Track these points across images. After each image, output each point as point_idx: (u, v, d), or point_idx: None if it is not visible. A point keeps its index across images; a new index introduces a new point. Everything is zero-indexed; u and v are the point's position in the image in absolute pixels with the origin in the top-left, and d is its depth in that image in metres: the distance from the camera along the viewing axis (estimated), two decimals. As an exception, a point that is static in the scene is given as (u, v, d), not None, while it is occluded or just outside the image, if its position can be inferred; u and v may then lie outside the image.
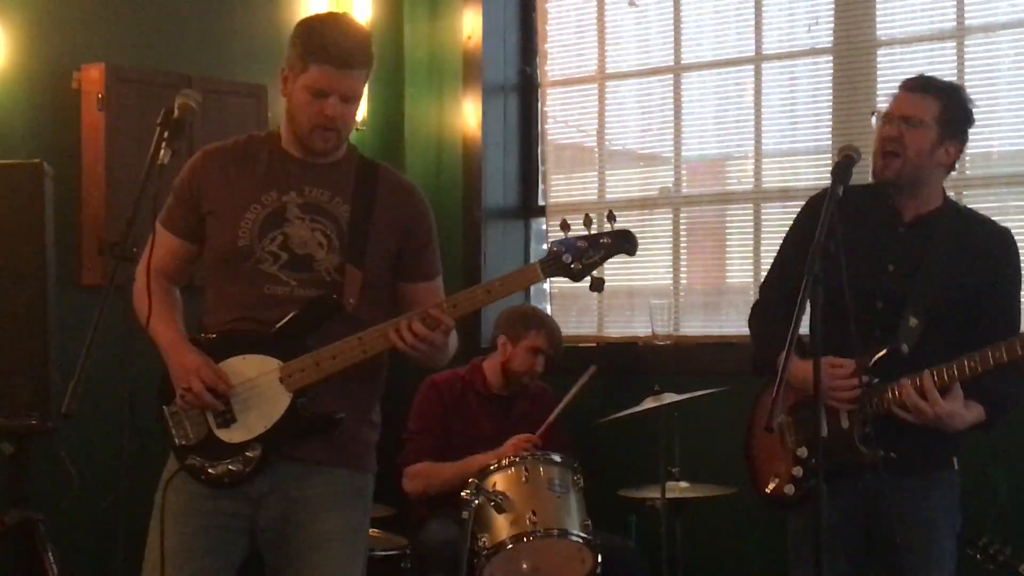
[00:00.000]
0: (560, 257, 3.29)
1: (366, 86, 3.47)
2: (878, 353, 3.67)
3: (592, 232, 3.32)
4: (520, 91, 6.22)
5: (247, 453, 3.41)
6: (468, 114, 6.11)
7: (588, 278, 3.35)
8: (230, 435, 3.43)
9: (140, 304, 3.37)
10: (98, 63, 5.03)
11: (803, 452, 3.76)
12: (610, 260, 3.35)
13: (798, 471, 3.78)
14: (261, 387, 3.41)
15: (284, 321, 3.41)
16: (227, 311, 3.43)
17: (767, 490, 3.88)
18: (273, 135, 3.55)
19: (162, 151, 3.13)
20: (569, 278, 3.31)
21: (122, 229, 3.07)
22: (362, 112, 6.02)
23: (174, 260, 3.55)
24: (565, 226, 3.32)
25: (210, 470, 3.43)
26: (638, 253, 5.76)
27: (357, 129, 6.01)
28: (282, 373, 3.39)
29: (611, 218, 3.33)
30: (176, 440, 3.48)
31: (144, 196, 3.10)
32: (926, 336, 3.67)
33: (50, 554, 4.39)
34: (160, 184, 3.18)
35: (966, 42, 5.14)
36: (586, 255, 3.29)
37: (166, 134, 3.16)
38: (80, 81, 5.05)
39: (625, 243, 3.34)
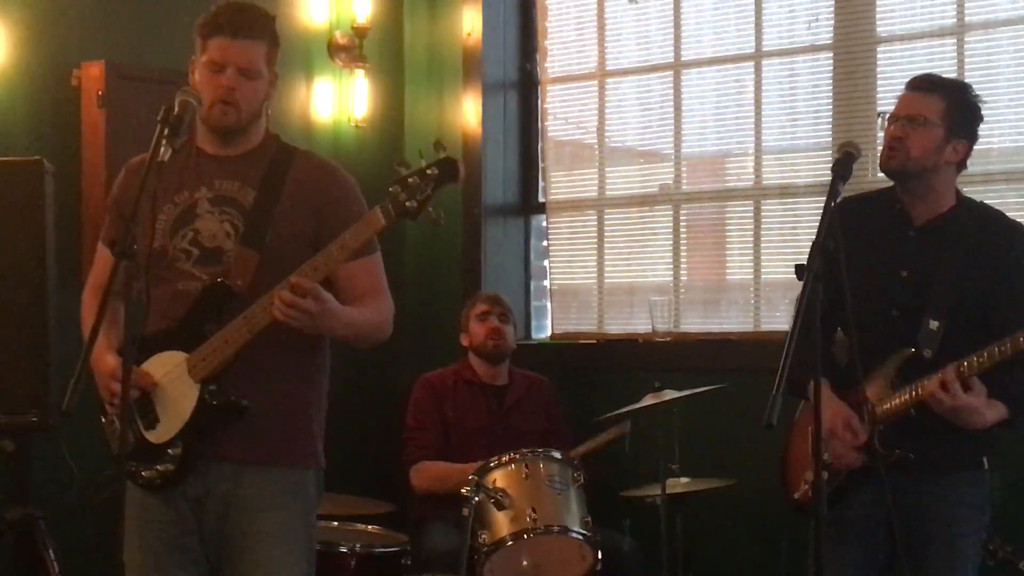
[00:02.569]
0: (397, 198, 3.24)
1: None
2: (899, 355, 3.66)
3: (420, 166, 3.27)
4: (520, 88, 6.21)
5: (170, 451, 3.43)
6: (468, 111, 6.11)
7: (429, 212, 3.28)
8: (156, 436, 3.45)
9: (82, 323, 3.61)
10: (98, 60, 5.02)
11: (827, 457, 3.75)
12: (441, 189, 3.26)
13: (824, 476, 3.77)
14: (174, 383, 3.41)
15: (183, 314, 3.42)
16: (153, 314, 3.39)
17: (795, 496, 3.88)
18: (191, 136, 3.52)
19: (162, 148, 3.13)
20: (408, 217, 3.25)
21: (122, 227, 3.07)
22: (362, 109, 6.02)
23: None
24: (402, 163, 3.28)
25: (143, 473, 3.45)
26: (638, 249, 5.94)
27: (357, 126, 6.02)
28: (188, 365, 3.40)
29: (438, 147, 3.28)
30: (114, 448, 3.51)
31: (144, 194, 3.10)
32: (948, 339, 3.65)
33: (51, 551, 4.40)
34: (160, 182, 3.18)
35: (966, 39, 5.13)
36: (419, 190, 3.23)
37: (166, 131, 3.15)
38: (80, 78, 5.04)
39: (451, 169, 3.25)
